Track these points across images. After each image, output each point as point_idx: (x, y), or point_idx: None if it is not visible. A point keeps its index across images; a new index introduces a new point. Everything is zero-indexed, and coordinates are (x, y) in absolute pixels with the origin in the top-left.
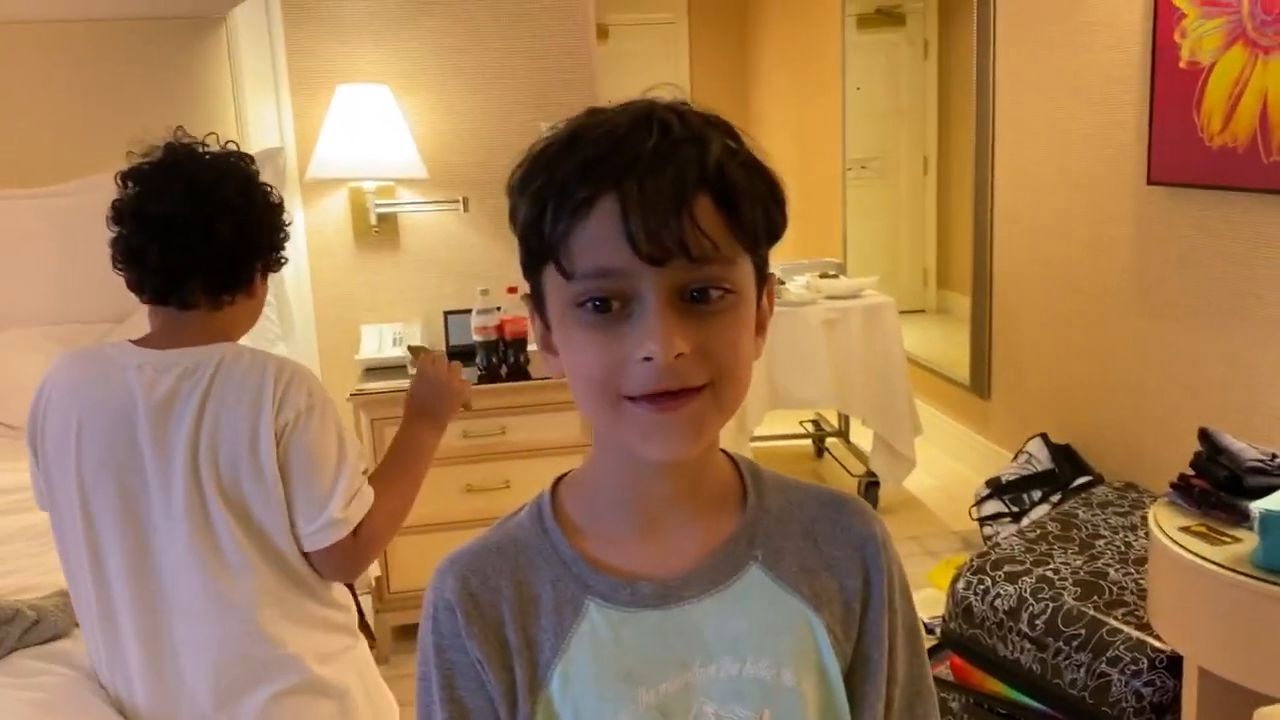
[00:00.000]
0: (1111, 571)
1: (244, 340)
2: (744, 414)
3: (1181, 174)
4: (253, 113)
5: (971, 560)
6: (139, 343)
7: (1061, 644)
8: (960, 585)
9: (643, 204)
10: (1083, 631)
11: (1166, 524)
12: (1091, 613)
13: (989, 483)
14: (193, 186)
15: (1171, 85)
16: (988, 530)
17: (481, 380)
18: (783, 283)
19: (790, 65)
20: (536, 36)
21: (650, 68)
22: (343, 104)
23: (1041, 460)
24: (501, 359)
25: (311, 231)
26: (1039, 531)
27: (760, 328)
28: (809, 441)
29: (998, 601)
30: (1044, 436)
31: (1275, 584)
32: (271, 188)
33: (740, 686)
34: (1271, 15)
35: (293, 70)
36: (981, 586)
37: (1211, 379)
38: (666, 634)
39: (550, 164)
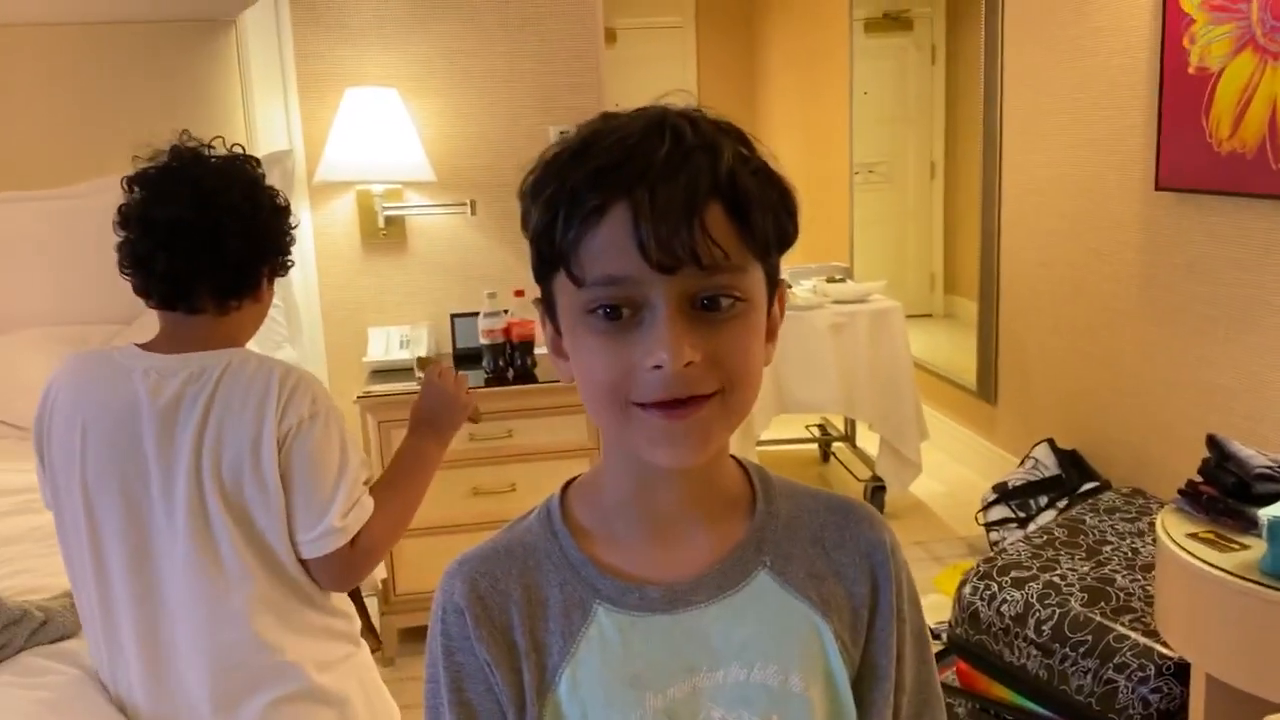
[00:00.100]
0: (1119, 578)
1: (251, 342)
2: (750, 418)
3: (1190, 180)
4: (262, 115)
5: (978, 566)
6: (145, 346)
7: (1068, 650)
8: (966, 591)
9: (654, 212)
10: (1089, 638)
11: (1174, 530)
12: (1098, 619)
13: (995, 488)
14: (198, 191)
15: (1180, 91)
16: (994, 536)
17: (488, 383)
18: (789, 286)
19: (797, 69)
20: (545, 40)
21: (658, 71)
22: (351, 107)
23: (1048, 466)
24: (508, 362)
25: (319, 234)
26: (1046, 537)
27: (771, 334)
28: (815, 446)
29: (1004, 607)
30: (1051, 442)
31: None
32: (277, 191)
33: (747, 692)
34: None
35: (301, 73)
36: (988, 592)
37: (1220, 385)
38: (674, 639)
39: (562, 171)
